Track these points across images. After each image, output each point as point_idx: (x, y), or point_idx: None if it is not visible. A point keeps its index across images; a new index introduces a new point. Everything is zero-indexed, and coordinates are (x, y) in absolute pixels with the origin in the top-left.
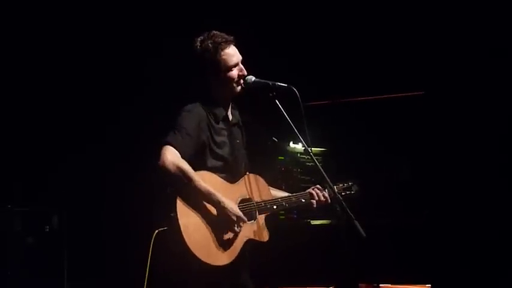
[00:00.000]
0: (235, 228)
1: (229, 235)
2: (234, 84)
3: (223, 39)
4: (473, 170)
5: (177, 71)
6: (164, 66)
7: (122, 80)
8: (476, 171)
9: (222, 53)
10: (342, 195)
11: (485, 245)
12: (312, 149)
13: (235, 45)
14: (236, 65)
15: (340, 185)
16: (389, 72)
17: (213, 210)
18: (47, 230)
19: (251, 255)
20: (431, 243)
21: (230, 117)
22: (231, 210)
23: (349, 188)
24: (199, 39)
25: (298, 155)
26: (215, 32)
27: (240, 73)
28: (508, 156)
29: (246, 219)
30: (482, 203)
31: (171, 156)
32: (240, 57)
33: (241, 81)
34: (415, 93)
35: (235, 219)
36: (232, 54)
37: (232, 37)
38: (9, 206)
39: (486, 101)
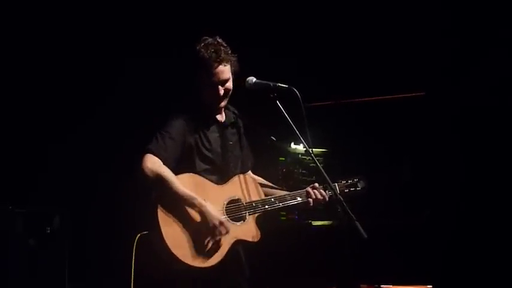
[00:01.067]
0: (217, 232)
1: (214, 238)
2: (218, 100)
3: (218, 53)
4: (474, 170)
5: (170, 73)
6: (157, 67)
7: (122, 83)
8: (477, 171)
9: (213, 68)
10: (346, 192)
11: (486, 245)
12: (313, 149)
13: (230, 61)
14: (223, 82)
15: (344, 181)
16: (390, 73)
17: (196, 214)
18: (48, 231)
19: (249, 256)
20: (433, 244)
21: (221, 118)
22: (211, 215)
23: (354, 185)
24: (202, 43)
25: (300, 155)
26: (219, 40)
27: (226, 90)
28: (509, 156)
29: (227, 225)
30: (483, 203)
31: (151, 163)
32: (229, 76)
33: (227, 97)
34: (416, 94)
35: (216, 223)
36: (221, 71)
37: (229, 55)
38: (10, 207)
39: (487, 101)
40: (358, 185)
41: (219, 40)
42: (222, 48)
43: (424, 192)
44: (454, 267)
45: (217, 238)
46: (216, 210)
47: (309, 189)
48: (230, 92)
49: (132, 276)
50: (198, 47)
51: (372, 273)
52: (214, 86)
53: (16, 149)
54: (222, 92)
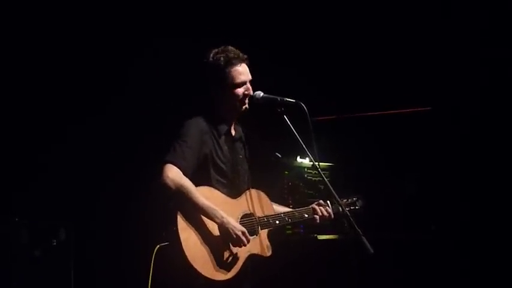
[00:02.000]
0: (238, 244)
1: (231, 251)
2: (238, 103)
3: (236, 55)
4: (480, 185)
5: (183, 82)
6: (170, 76)
7: (129, 90)
8: (483, 186)
9: (232, 69)
10: (346, 211)
11: (491, 258)
12: (320, 163)
13: (247, 65)
14: (243, 83)
15: (345, 200)
16: (396, 87)
17: (214, 226)
18: (54, 243)
19: (255, 269)
20: (439, 258)
21: (233, 132)
22: (234, 228)
23: (353, 204)
24: (213, 51)
25: (305, 169)
26: (230, 47)
27: (246, 92)
28: None
29: (248, 236)
30: (488, 217)
31: (172, 174)
32: (250, 77)
33: (246, 101)
34: (423, 108)
35: (240, 234)
36: (241, 72)
37: (246, 56)
38: (16, 219)
39: (493, 116)
40: (357, 203)
41: (228, 47)
42: (232, 50)
43: (430, 207)
44: (460, 281)
45: (236, 250)
46: (235, 223)
47: (314, 206)
48: (251, 97)
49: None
50: (207, 57)
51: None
52: (235, 86)
53: (22, 161)
54: (241, 92)
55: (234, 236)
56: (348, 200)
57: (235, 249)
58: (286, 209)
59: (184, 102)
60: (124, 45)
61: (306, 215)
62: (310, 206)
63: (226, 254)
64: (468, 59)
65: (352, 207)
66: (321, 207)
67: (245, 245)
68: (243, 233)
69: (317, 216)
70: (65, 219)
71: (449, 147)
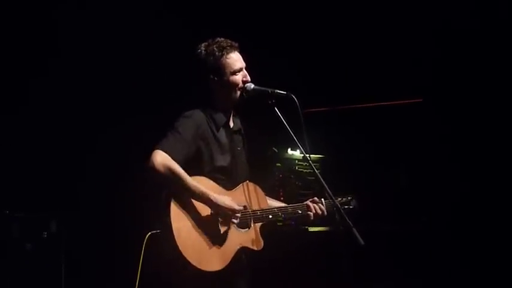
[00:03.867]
0: (233, 220)
1: (223, 241)
2: (236, 90)
3: (229, 44)
4: (472, 176)
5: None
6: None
7: (124, 84)
8: (475, 177)
9: (227, 57)
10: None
11: (483, 251)
12: (311, 156)
13: (239, 52)
14: (240, 70)
15: (339, 198)
16: (387, 79)
17: (207, 213)
18: (45, 235)
19: (251, 261)
20: (430, 250)
21: (231, 124)
22: (223, 204)
23: (347, 203)
24: (203, 44)
25: (296, 161)
26: (220, 38)
27: (244, 79)
28: (506, 161)
29: (240, 208)
30: (480, 209)
31: (161, 158)
32: (244, 64)
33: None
34: (414, 100)
35: (229, 212)
36: (236, 59)
37: (237, 43)
38: (7, 212)
39: (485, 107)
40: (351, 203)
41: (217, 38)
42: (224, 40)
43: (421, 199)
44: (451, 273)
45: (226, 241)
46: (227, 199)
47: (309, 203)
48: (248, 81)
49: (139, 275)
50: (200, 50)
51: (369, 280)
52: (232, 73)
53: (12, 153)
54: (240, 79)
55: (224, 207)
56: (342, 199)
57: (226, 241)
58: (281, 204)
59: (182, 95)
60: (122, 43)
61: (300, 211)
62: (305, 203)
63: (217, 245)
64: (458, 49)
65: (346, 207)
66: (315, 205)
67: (235, 213)
68: (232, 209)
69: (311, 213)
70: (55, 211)
71: (440, 138)
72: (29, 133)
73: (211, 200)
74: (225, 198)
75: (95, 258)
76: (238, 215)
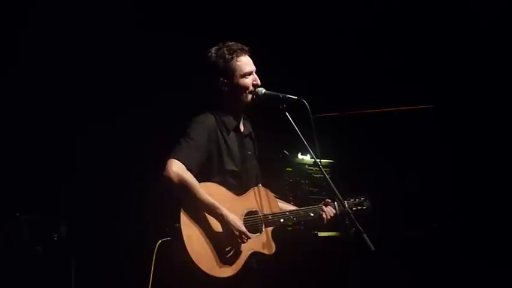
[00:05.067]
0: (239, 242)
1: (233, 248)
2: (247, 93)
3: (239, 47)
4: (481, 182)
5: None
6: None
7: (133, 89)
8: (484, 183)
9: (237, 60)
10: (353, 211)
11: (492, 256)
12: (321, 160)
13: (250, 56)
14: (250, 73)
15: (352, 200)
16: (399, 85)
17: (217, 223)
18: (55, 238)
19: (260, 269)
20: (440, 256)
21: (242, 128)
22: (234, 225)
23: (360, 204)
24: (214, 48)
25: (307, 166)
26: (230, 42)
27: (254, 82)
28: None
29: (249, 235)
30: (489, 215)
31: (176, 168)
32: (254, 68)
33: (254, 90)
34: (425, 106)
35: (237, 234)
36: (246, 62)
37: (248, 47)
38: (17, 214)
39: (494, 114)
40: (364, 204)
41: (227, 42)
42: (234, 44)
43: (432, 205)
44: (460, 279)
45: (238, 248)
46: (237, 220)
47: (323, 207)
48: (258, 85)
49: (150, 283)
50: (210, 53)
51: (379, 283)
52: (242, 77)
53: (23, 156)
54: (250, 83)
55: (233, 234)
56: (355, 200)
57: (237, 247)
58: (292, 207)
59: (192, 100)
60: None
61: (312, 214)
62: (317, 206)
63: (228, 252)
64: (468, 55)
65: (359, 207)
66: (329, 207)
67: (243, 243)
68: (242, 232)
69: (324, 217)
70: (66, 214)
71: (450, 145)
72: (39, 136)
73: (223, 218)
74: (234, 217)
75: (105, 262)
76: (244, 240)
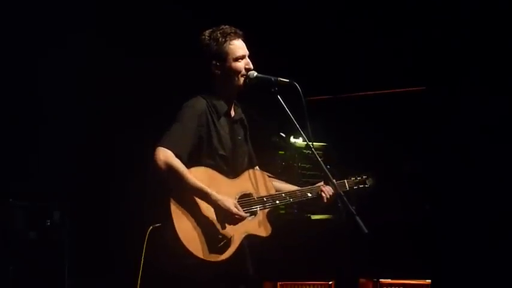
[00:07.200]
0: (232, 225)
1: (226, 231)
2: (239, 77)
3: (233, 31)
4: (476, 165)
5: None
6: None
7: (124, 76)
8: (479, 166)
9: (230, 43)
10: (354, 189)
11: (486, 240)
12: (313, 143)
13: (244, 41)
14: (243, 57)
15: (353, 178)
16: (391, 67)
17: (209, 207)
18: (48, 224)
19: (250, 249)
20: (432, 238)
21: (232, 113)
22: (225, 207)
23: (363, 182)
24: (208, 31)
25: (300, 149)
26: (225, 25)
27: (247, 66)
28: (509, 151)
29: (243, 214)
30: (484, 198)
31: (163, 156)
32: (247, 52)
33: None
34: (417, 88)
35: (229, 215)
36: (240, 46)
37: (241, 31)
38: (10, 200)
39: (489, 95)
40: (367, 182)
41: (221, 25)
42: (228, 27)
43: (425, 186)
44: (453, 262)
45: (231, 230)
46: (228, 202)
47: (321, 187)
48: (250, 69)
49: (141, 269)
50: (204, 36)
51: (371, 267)
52: (235, 60)
53: (16, 143)
54: (242, 67)
55: (227, 215)
56: (356, 178)
57: (231, 229)
58: (289, 187)
59: (183, 85)
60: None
61: (310, 194)
62: (315, 186)
63: (221, 235)
64: (462, 36)
65: (361, 186)
66: (328, 187)
67: (240, 220)
68: (233, 213)
69: (324, 195)
70: (59, 200)
71: (443, 126)
72: (29, 124)
73: (216, 202)
74: (229, 202)
75: (98, 247)
76: (238, 219)
